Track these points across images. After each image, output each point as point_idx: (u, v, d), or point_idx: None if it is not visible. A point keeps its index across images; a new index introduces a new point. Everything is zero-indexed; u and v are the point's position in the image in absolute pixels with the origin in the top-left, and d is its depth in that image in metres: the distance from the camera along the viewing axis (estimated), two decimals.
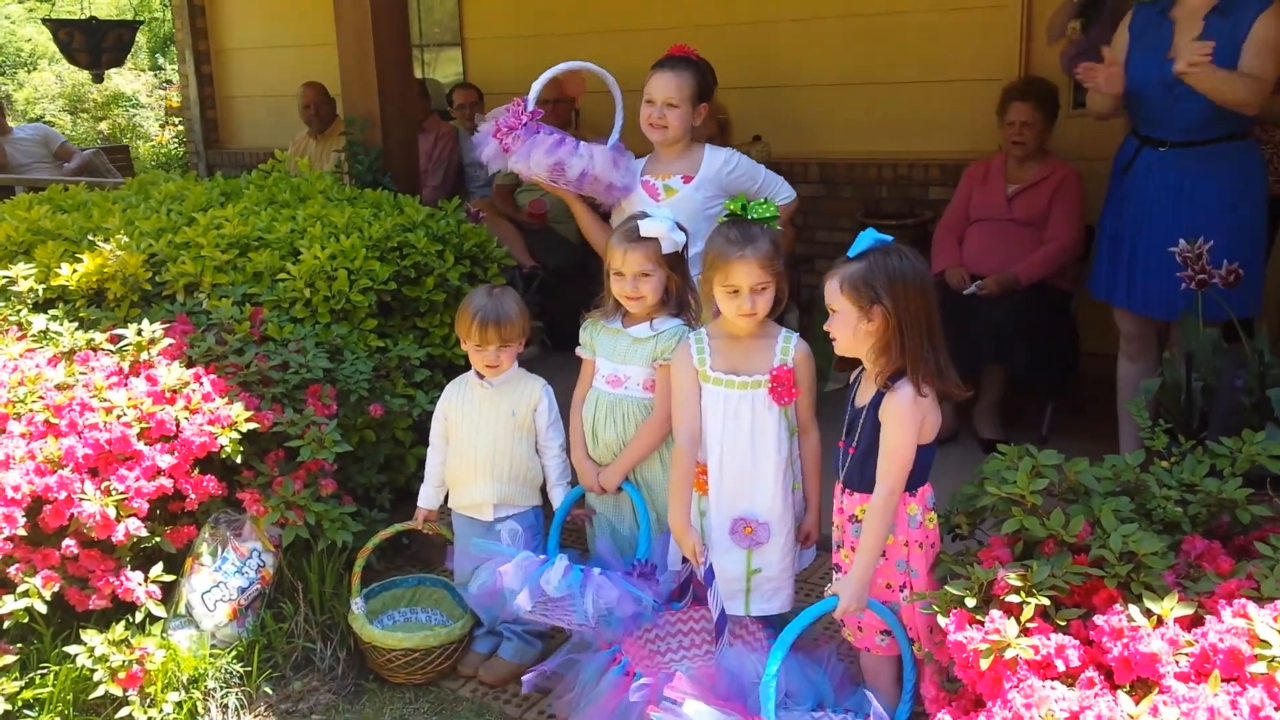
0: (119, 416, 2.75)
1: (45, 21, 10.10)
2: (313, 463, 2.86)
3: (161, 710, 2.52)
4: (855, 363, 2.31)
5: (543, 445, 2.79)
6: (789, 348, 2.45)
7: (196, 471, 2.76)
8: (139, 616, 2.63)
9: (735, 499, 2.46)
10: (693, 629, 2.62)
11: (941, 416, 2.23)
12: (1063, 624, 1.88)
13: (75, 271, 3.36)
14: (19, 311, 3.32)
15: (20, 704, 2.49)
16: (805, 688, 2.25)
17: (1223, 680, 1.65)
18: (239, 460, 2.78)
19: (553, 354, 4.80)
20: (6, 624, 2.55)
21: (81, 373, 2.95)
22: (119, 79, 13.42)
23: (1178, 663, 1.72)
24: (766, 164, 3.21)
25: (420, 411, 3.23)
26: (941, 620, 1.94)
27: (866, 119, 5.18)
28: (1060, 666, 1.78)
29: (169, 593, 2.73)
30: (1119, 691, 1.73)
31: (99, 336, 3.12)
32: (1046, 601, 1.89)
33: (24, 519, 2.54)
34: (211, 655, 2.65)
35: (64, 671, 2.52)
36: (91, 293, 3.40)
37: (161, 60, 15.41)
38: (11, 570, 2.55)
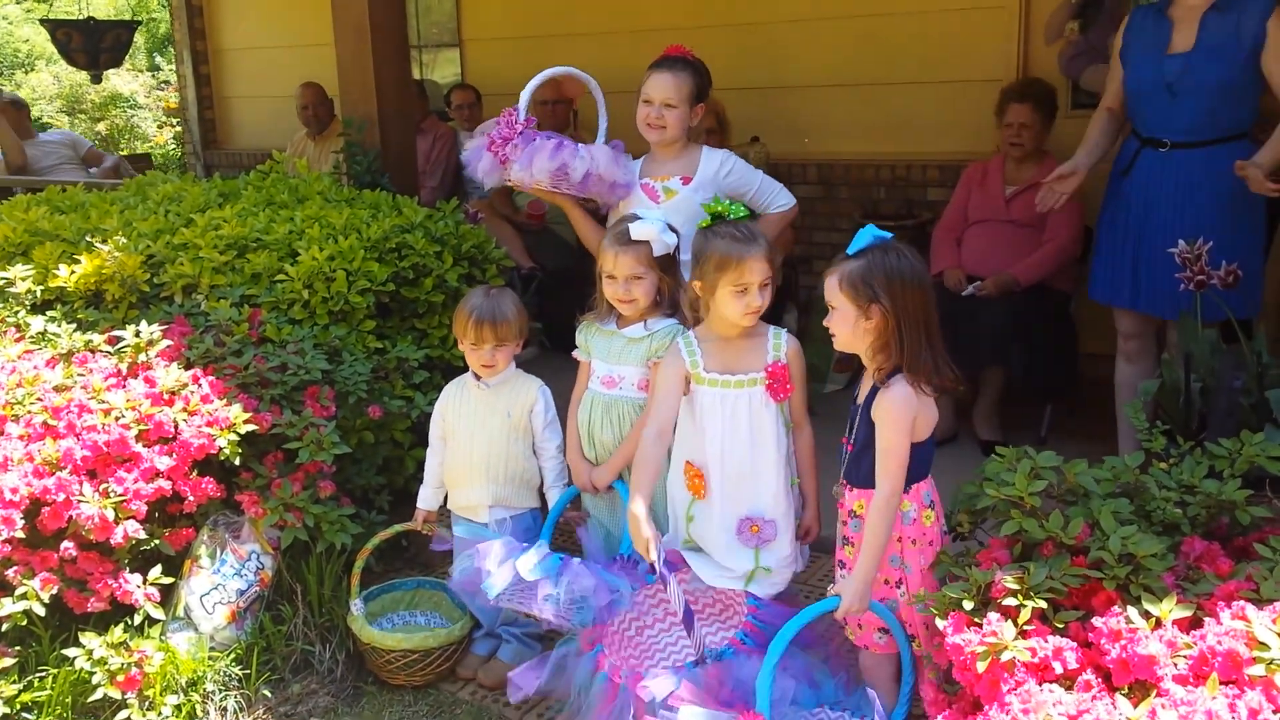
0: (117, 418, 2.74)
1: (43, 22, 10.07)
2: (311, 464, 2.86)
3: (160, 713, 2.52)
4: (854, 363, 2.31)
5: (539, 446, 2.78)
6: (780, 344, 2.47)
7: (195, 473, 2.75)
8: (138, 619, 2.62)
9: (738, 499, 2.46)
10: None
11: (941, 417, 2.23)
12: (1061, 626, 1.88)
13: (73, 273, 3.35)
14: (17, 313, 3.31)
15: (19, 707, 2.48)
16: (808, 688, 2.25)
17: (1221, 683, 1.65)
18: (237, 462, 2.78)
19: (552, 355, 4.78)
20: (5, 626, 2.54)
21: (80, 374, 2.94)
22: (117, 80, 13.36)
23: (1176, 665, 1.71)
24: (765, 165, 3.21)
25: (419, 413, 3.23)
26: (940, 623, 1.94)
27: (865, 120, 5.17)
28: (1058, 669, 1.78)
29: (168, 595, 2.72)
30: (1117, 694, 1.73)
31: (97, 338, 3.12)
32: (1044, 604, 1.88)
33: (22, 521, 2.54)
34: (210, 658, 2.65)
35: (62, 674, 2.52)
36: (89, 294, 3.40)
37: (160, 61, 15.37)
38: (10, 573, 2.55)
